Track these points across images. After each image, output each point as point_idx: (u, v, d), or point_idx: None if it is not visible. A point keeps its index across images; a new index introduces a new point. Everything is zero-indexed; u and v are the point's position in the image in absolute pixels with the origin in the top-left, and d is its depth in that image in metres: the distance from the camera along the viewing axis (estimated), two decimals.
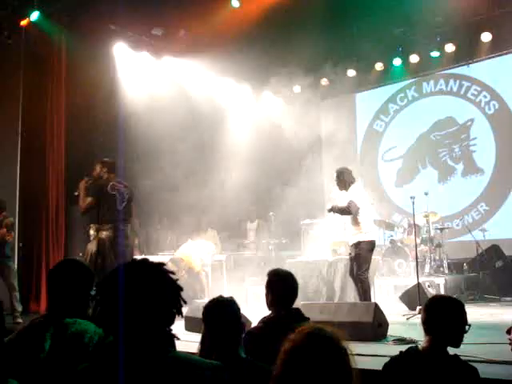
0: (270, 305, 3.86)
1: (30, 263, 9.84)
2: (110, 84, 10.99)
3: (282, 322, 3.62)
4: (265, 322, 3.80)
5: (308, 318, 3.83)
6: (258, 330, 3.72)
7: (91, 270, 2.91)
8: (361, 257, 7.58)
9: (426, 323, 2.89)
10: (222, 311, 3.06)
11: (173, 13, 10.62)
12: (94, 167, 7.62)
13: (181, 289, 1.81)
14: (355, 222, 7.68)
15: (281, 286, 3.84)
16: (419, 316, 7.26)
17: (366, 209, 7.77)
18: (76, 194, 7.60)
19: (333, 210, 7.83)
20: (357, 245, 7.65)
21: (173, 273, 1.83)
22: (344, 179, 7.81)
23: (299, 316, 3.79)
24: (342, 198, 7.84)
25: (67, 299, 2.71)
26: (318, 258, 9.82)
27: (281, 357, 1.73)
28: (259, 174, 12.45)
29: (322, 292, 9.24)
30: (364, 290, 7.51)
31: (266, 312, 4.02)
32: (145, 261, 1.80)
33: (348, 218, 7.80)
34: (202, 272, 10.00)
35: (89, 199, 7.32)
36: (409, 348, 2.93)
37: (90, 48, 10.34)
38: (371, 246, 7.69)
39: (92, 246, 7.30)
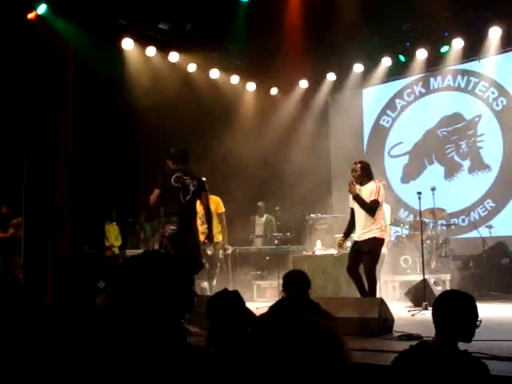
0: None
1: (35, 256, 9.86)
2: (117, 78, 10.98)
3: (288, 306, 3.70)
4: (271, 307, 3.89)
5: (316, 303, 3.92)
6: (265, 317, 3.76)
7: (98, 262, 2.89)
8: (375, 253, 7.41)
9: (437, 318, 2.87)
10: (226, 305, 3.06)
11: (179, 7, 10.61)
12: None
13: (193, 282, 1.80)
14: (371, 218, 7.43)
15: (292, 272, 4.44)
16: (425, 312, 7.30)
17: (382, 206, 7.63)
18: None
19: (358, 200, 7.43)
20: (371, 240, 7.38)
21: (185, 265, 1.82)
22: (366, 173, 7.53)
23: (305, 300, 3.90)
24: (361, 192, 7.50)
25: (72, 291, 2.69)
26: (323, 252, 9.82)
27: (278, 351, 1.73)
28: (266, 170, 12.46)
29: (327, 287, 9.24)
30: (372, 287, 7.38)
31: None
32: (158, 253, 1.78)
33: (363, 211, 7.46)
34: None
35: (156, 191, 7.12)
36: (419, 342, 2.91)
37: (97, 42, 10.34)
38: (383, 243, 7.61)
39: (154, 242, 7.19)
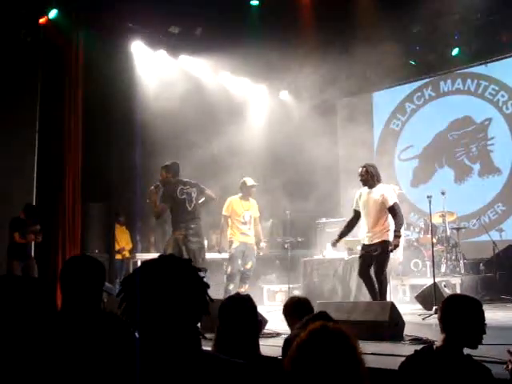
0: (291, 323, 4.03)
1: (46, 260, 9.91)
2: (127, 82, 11.03)
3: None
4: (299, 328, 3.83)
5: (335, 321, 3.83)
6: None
7: (103, 265, 2.93)
8: (386, 256, 7.33)
9: (443, 321, 2.87)
10: (239, 309, 3.07)
11: (190, 11, 10.65)
12: (160, 173, 8.10)
13: (208, 286, 1.81)
14: (383, 220, 7.40)
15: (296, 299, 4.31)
16: (435, 316, 7.23)
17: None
18: (148, 201, 8.19)
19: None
20: (382, 243, 7.33)
21: (200, 269, 1.83)
22: (372, 175, 7.47)
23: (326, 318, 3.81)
24: (370, 195, 7.49)
25: (80, 294, 2.73)
26: (333, 256, 9.81)
27: (290, 354, 1.74)
28: (274, 172, 12.45)
29: (337, 291, 9.23)
30: (383, 291, 7.34)
31: (281, 311, 4.08)
32: (173, 257, 1.79)
33: (373, 215, 7.44)
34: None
35: (161, 206, 7.88)
36: (424, 347, 2.91)
37: (108, 46, 10.41)
38: (392, 245, 7.52)
39: (168, 249, 7.83)
